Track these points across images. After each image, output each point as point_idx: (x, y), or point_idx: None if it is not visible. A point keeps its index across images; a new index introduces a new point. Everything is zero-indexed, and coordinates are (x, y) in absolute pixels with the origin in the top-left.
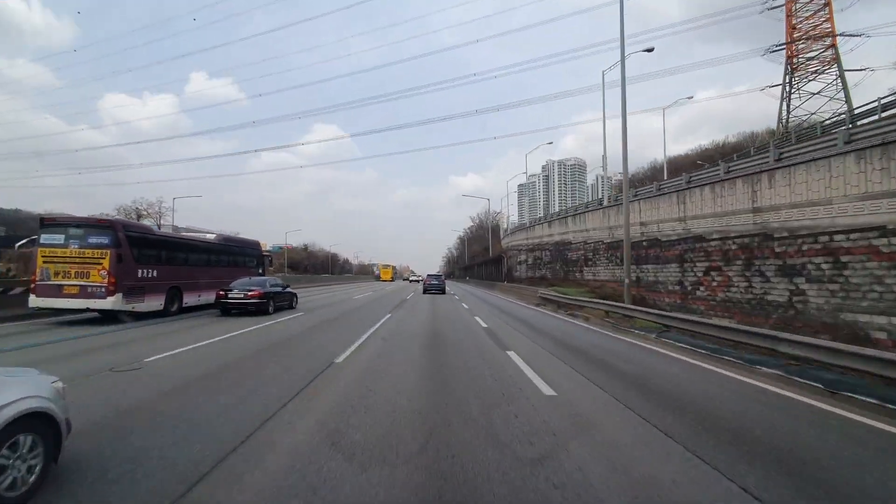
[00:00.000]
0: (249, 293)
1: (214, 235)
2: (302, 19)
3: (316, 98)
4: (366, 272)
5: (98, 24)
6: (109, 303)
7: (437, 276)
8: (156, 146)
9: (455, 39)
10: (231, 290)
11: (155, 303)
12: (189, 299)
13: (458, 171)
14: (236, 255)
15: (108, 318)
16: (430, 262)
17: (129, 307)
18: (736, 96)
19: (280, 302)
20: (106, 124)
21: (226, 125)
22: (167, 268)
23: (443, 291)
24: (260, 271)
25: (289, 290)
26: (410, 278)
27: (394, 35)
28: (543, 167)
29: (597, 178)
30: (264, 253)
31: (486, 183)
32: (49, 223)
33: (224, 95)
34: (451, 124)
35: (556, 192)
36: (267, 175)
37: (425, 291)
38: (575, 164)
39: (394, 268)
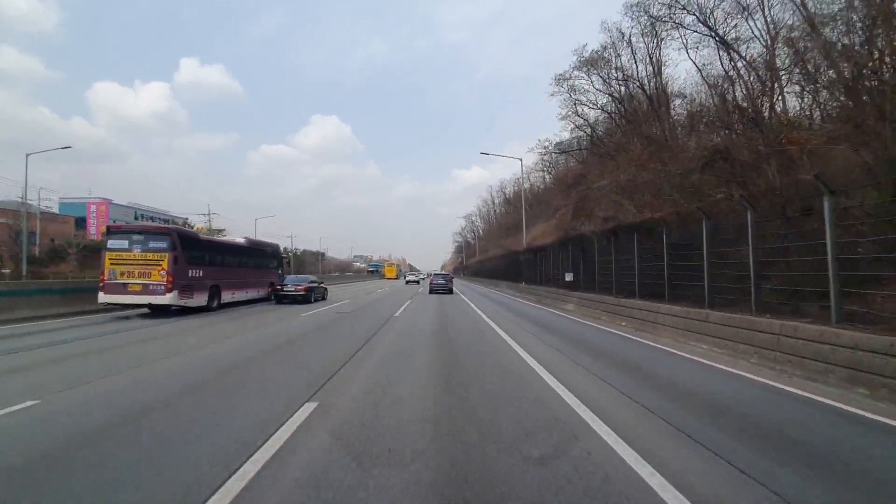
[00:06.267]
0: (298, 287)
1: (244, 239)
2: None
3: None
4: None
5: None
6: (168, 299)
7: (444, 276)
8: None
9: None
10: (286, 285)
11: (201, 299)
12: (226, 296)
13: (462, 165)
14: (261, 256)
15: (161, 311)
16: (432, 259)
17: (182, 303)
18: None
19: (317, 294)
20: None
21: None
22: (210, 268)
23: (450, 291)
24: (280, 271)
25: (322, 285)
26: (407, 277)
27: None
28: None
29: None
30: (283, 256)
31: (490, 175)
32: (115, 230)
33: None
34: (457, 118)
35: None
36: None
37: (431, 292)
38: None
39: (398, 266)
